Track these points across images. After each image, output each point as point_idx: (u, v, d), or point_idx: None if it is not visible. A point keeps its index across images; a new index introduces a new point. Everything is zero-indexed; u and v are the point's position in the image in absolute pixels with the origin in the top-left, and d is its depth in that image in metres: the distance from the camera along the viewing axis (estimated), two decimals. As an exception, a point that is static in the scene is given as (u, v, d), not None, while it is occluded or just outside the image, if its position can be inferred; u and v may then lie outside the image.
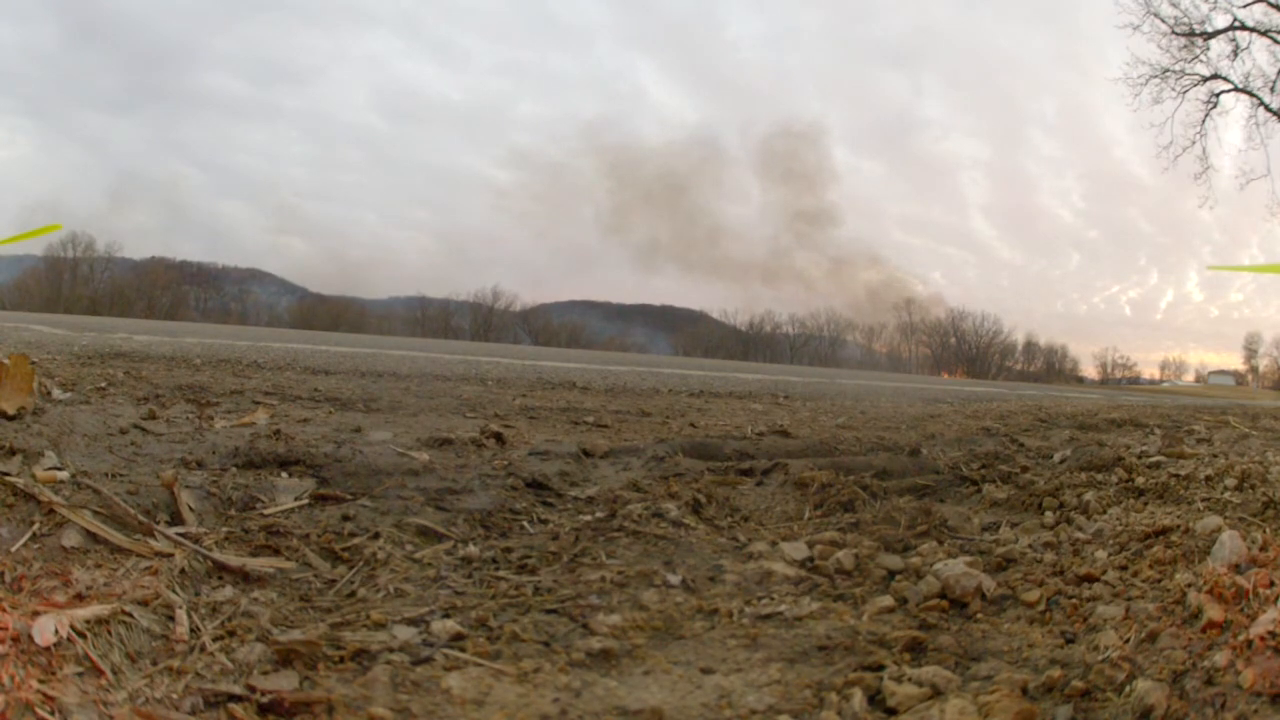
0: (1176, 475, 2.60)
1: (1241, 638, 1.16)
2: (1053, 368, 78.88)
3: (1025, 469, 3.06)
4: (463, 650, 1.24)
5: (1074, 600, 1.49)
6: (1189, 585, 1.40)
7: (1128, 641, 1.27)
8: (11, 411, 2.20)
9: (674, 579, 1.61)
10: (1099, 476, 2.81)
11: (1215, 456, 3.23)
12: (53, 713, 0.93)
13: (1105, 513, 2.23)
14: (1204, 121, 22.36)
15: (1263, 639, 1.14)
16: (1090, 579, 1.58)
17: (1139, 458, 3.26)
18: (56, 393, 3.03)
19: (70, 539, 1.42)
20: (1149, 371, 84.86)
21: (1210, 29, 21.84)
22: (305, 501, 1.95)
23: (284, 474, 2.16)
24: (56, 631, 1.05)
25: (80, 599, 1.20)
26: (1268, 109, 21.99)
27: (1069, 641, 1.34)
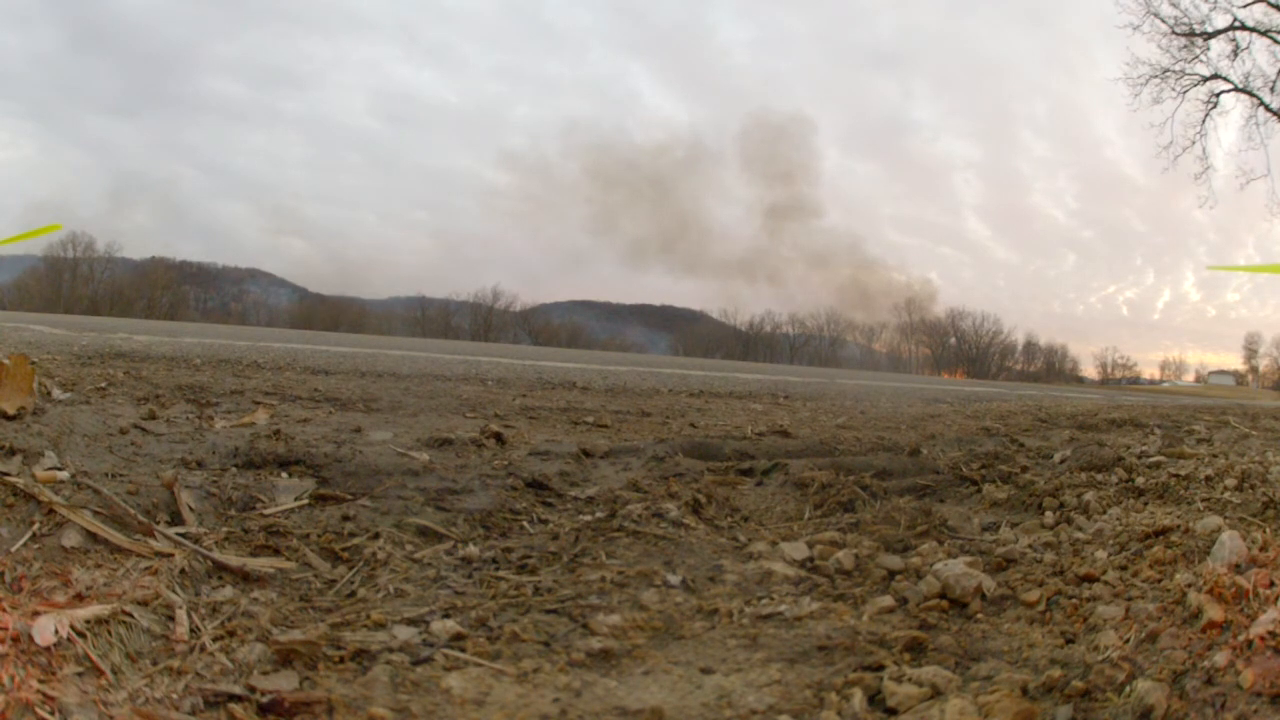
0: (1176, 475, 2.60)
1: (1241, 638, 1.16)
2: (1053, 368, 78.92)
3: (1025, 469, 3.06)
4: (463, 650, 1.24)
5: (1074, 600, 1.49)
6: (1189, 585, 1.40)
7: (1128, 641, 1.27)
8: (11, 411, 2.20)
9: (674, 579, 1.61)
10: (1099, 476, 2.81)
11: (1215, 456, 3.23)
12: (53, 713, 0.93)
13: (1105, 513, 2.23)
14: (1204, 121, 22.38)
15: (1263, 639, 1.14)
16: (1090, 579, 1.58)
17: (1139, 458, 3.26)
18: (56, 393, 3.03)
19: (70, 539, 1.42)
20: (1149, 371, 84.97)
21: (1210, 29, 21.85)
22: (305, 501, 1.95)
23: (284, 474, 2.16)
24: (56, 631, 1.05)
25: (80, 599, 1.20)
26: (1268, 109, 22.00)
27: (1069, 641, 1.34)
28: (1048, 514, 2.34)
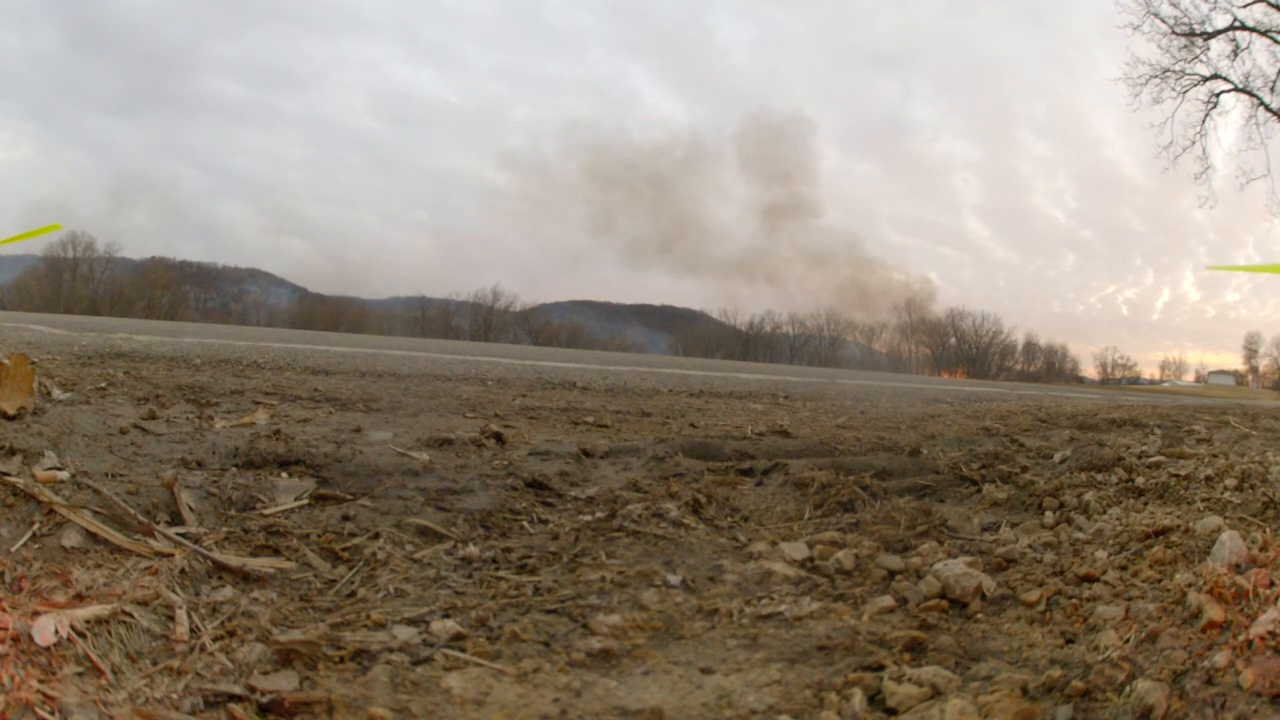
0: (1176, 475, 2.60)
1: (1241, 638, 1.16)
2: (1053, 368, 78.93)
3: (1025, 469, 3.06)
4: (463, 650, 1.24)
5: (1074, 600, 1.49)
6: (1189, 585, 1.40)
7: (1128, 641, 1.27)
8: (11, 411, 2.20)
9: (674, 579, 1.61)
10: (1099, 476, 2.81)
11: (1215, 456, 3.23)
12: (53, 713, 0.93)
13: (1105, 513, 2.23)
14: (1204, 121, 22.39)
15: (1263, 639, 1.14)
16: (1090, 579, 1.58)
17: (1139, 458, 3.26)
18: (56, 393, 3.03)
19: (70, 539, 1.42)
20: (1149, 371, 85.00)
21: (1210, 29, 21.86)
22: (305, 501, 1.95)
23: (284, 474, 2.16)
24: (56, 631, 1.05)
25: (80, 599, 1.20)
26: (1268, 109, 22.00)
27: (1069, 641, 1.34)
28: (1048, 514, 2.34)
